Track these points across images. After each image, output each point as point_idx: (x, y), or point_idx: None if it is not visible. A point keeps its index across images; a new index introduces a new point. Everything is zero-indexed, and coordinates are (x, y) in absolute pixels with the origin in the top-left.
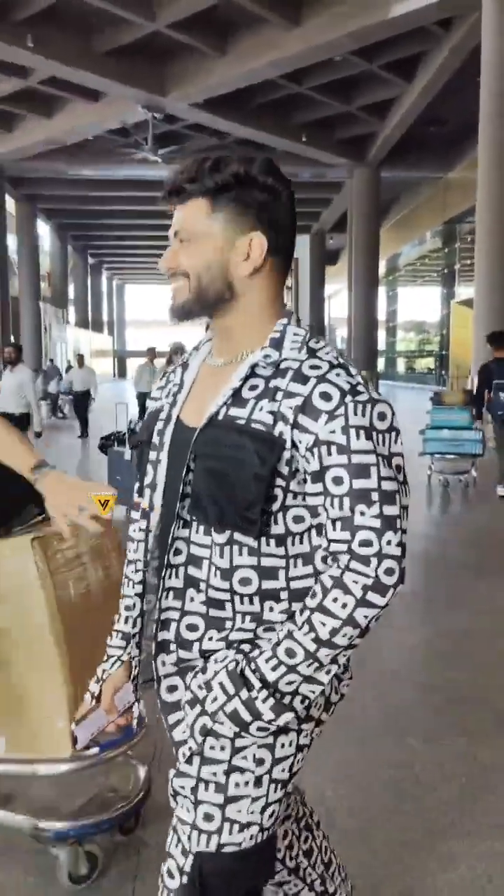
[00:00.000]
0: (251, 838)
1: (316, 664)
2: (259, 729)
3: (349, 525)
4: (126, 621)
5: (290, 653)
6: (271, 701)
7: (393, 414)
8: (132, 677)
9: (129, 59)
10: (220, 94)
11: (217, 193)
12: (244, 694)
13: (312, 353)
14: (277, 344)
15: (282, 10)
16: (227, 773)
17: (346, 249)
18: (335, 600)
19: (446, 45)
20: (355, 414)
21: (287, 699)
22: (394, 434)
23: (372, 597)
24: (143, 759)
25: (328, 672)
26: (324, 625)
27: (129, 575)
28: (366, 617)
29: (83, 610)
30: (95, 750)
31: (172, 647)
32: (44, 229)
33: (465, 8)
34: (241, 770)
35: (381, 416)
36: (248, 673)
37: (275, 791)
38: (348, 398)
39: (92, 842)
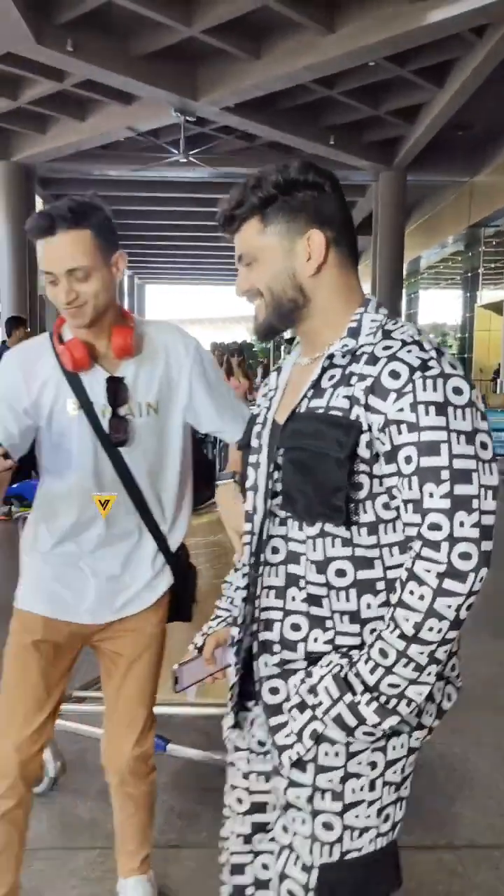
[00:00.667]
0: (371, 843)
1: (413, 663)
2: (365, 733)
3: (419, 507)
4: (235, 591)
5: (384, 653)
6: (374, 705)
7: (472, 388)
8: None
9: (164, 63)
10: (251, 97)
11: (264, 208)
12: (348, 698)
13: (387, 334)
14: (355, 333)
15: (317, 16)
16: (343, 780)
17: (370, 252)
18: (412, 593)
19: (479, 51)
20: (424, 390)
21: (392, 703)
22: (473, 409)
23: (450, 584)
24: None
25: (429, 673)
26: (406, 620)
27: (237, 564)
28: (449, 607)
29: None
30: None
31: (276, 647)
32: None
33: (501, 15)
34: (357, 776)
35: (457, 391)
36: (350, 677)
37: (388, 793)
38: (417, 374)
39: None
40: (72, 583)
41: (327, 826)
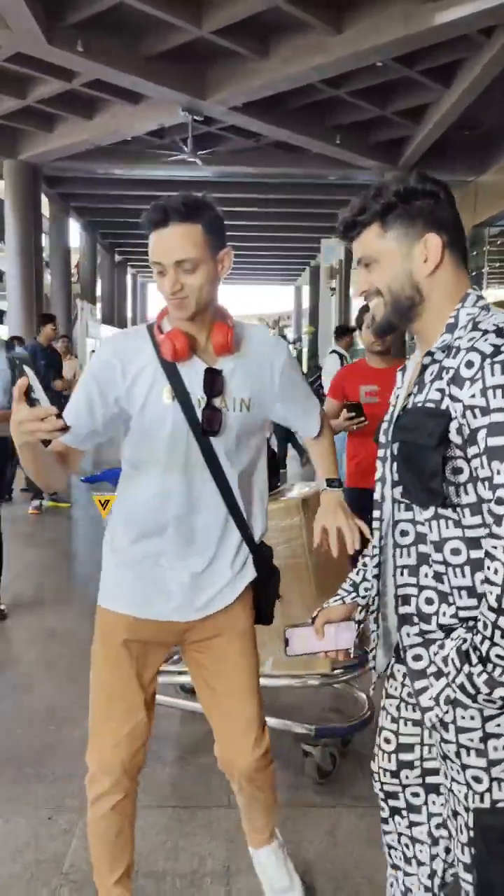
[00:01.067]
0: None
1: None
2: (485, 701)
3: (491, 485)
4: (357, 573)
5: (485, 625)
6: (485, 676)
7: None
8: (357, 623)
9: (173, 62)
10: (259, 97)
11: (384, 215)
12: (466, 669)
13: (475, 325)
14: (452, 328)
15: (325, 17)
16: (484, 740)
17: None
18: (489, 568)
19: (487, 51)
20: (493, 374)
21: None
22: None
23: None
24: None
25: None
26: (490, 593)
27: (368, 552)
28: None
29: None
30: (340, 670)
31: (415, 619)
32: (73, 226)
33: None
34: (497, 735)
35: None
36: (469, 650)
37: None
38: (487, 361)
39: (334, 745)
40: (156, 583)
41: (476, 779)
